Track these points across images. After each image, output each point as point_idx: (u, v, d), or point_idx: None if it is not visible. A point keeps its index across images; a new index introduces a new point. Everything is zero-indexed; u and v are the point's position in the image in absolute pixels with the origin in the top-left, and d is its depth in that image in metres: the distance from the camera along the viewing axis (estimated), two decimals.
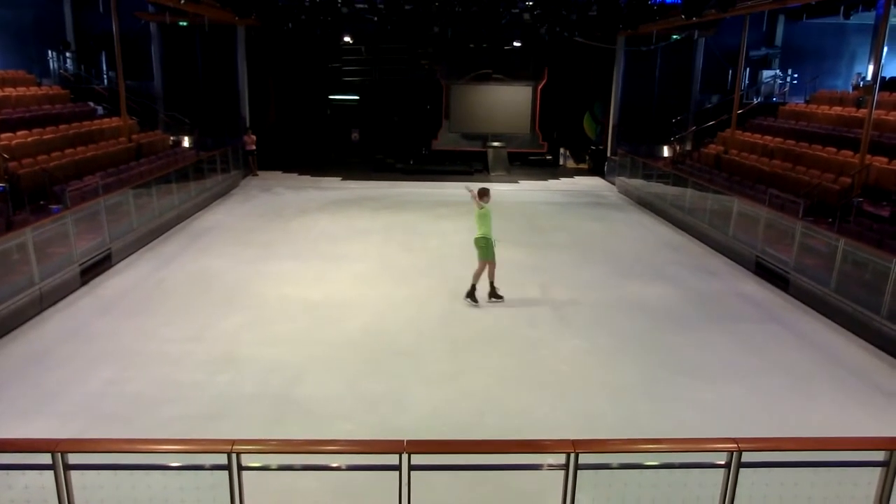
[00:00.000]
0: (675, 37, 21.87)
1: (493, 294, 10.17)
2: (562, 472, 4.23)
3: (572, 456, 4.11)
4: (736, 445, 4.16)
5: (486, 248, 9.97)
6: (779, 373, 8.03)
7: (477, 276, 10.07)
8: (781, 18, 22.79)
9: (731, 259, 12.89)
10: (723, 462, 4.22)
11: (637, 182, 19.30)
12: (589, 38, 22.28)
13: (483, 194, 10.12)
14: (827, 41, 22.82)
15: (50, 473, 4.14)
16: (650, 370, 8.01)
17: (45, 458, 4.13)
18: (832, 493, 4.25)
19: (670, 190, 16.73)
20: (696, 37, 21.99)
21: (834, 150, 14.47)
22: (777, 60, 22.96)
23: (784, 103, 20.38)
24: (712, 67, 22.74)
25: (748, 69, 22.11)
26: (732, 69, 21.44)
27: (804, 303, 10.39)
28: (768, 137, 17.35)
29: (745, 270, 12.23)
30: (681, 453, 4.42)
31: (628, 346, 8.72)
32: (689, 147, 21.86)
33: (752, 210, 12.55)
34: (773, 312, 10.19)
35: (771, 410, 7.09)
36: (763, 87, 22.31)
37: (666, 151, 22.05)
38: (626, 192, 20.14)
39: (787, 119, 18.14)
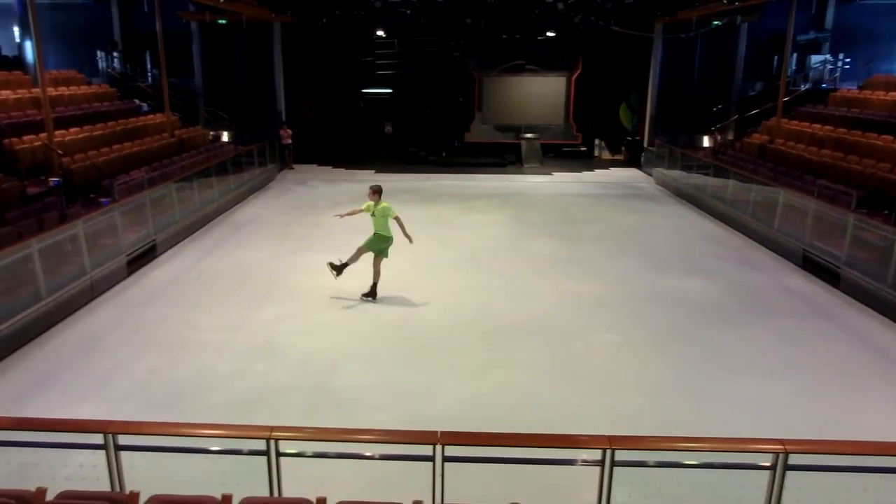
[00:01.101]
0: (715, 22, 21.20)
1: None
2: (596, 468, 4.19)
3: (608, 452, 4.07)
4: (782, 447, 4.02)
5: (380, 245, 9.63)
6: (827, 371, 7.74)
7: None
8: (832, 0, 21.83)
9: (776, 252, 12.51)
10: (767, 464, 4.08)
11: (675, 173, 18.90)
12: (625, 27, 21.82)
13: (376, 192, 9.70)
14: (882, 23, 21.52)
15: (102, 453, 4.34)
16: (688, 365, 7.85)
17: (98, 439, 4.33)
18: (886, 501, 4.09)
19: (711, 181, 16.33)
20: (738, 22, 21.26)
21: (890, 138, 13.80)
22: (827, 44, 21.93)
23: (835, 90, 19.55)
24: (756, 53, 21.96)
25: (795, 54, 21.28)
26: (778, 55, 20.70)
27: (856, 299, 9.96)
28: (817, 126, 16.71)
29: (791, 264, 11.85)
30: (722, 453, 4.31)
31: (665, 341, 8.56)
32: (730, 137, 21.26)
33: (800, 202, 12.13)
34: (822, 308, 9.84)
35: (818, 410, 6.84)
36: (811, 73, 21.40)
37: (706, 141, 21.46)
38: (663, 184, 19.74)
39: (839, 106, 17.41)
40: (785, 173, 14.71)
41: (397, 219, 9.63)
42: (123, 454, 4.40)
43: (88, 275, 9.67)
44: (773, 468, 4.08)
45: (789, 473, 4.06)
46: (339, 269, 9.92)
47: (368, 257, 9.83)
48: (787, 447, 4.03)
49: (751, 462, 4.21)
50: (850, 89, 18.94)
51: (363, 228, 13.56)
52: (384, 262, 9.86)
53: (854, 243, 10.34)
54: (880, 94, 16.51)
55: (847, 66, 21.28)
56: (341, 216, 10.30)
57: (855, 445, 4.34)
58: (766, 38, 21.57)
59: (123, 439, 4.38)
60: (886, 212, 11.19)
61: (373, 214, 9.70)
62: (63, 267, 9.30)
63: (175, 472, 4.45)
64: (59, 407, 6.64)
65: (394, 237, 9.75)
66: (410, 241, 9.64)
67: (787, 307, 9.87)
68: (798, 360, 8.04)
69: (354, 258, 9.92)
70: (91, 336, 8.54)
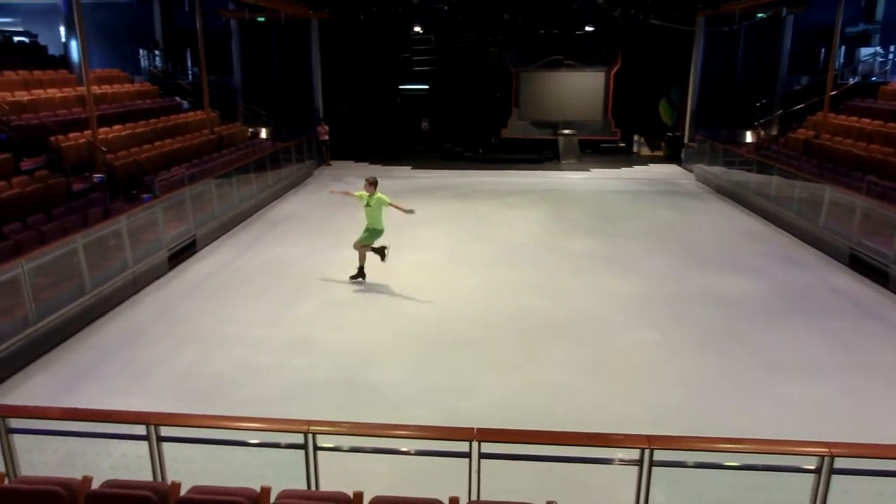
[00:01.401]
0: (760, 15, 20.59)
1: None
2: (633, 468, 4.12)
3: (647, 452, 4.00)
4: (827, 450, 3.90)
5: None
6: (875, 372, 7.48)
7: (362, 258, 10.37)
8: None
9: (822, 251, 12.12)
10: (811, 467, 3.97)
11: (717, 169, 18.46)
12: (665, 20, 21.39)
13: (373, 184, 10.16)
14: None
15: (144, 444, 4.44)
16: (729, 365, 7.67)
17: (141, 430, 4.43)
18: None
19: (753, 177, 15.90)
20: (783, 14, 20.62)
21: None
22: (877, 37, 21.13)
23: (885, 83, 18.80)
24: (802, 46, 21.29)
25: (843, 47, 20.51)
26: (825, 47, 20.01)
27: None
28: (866, 120, 16.14)
29: (838, 263, 11.47)
30: (764, 455, 4.19)
31: (705, 340, 8.37)
32: (774, 132, 20.66)
33: (847, 198, 11.74)
34: (870, 308, 9.50)
35: (864, 413, 6.63)
36: (860, 67, 20.63)
37: (749, 137, 20.92)
38: (704, 180, 19.31)
39: (889, 100, 16.77)
40: (832, 169, 14.25)
41: (392, 203, 10.02)
42: (165, 445, 4.50)
43: (131, 269, 9.93)
44: (817, 472, 3.96)
45: (835, 477, 3.94)
46: (359, 274, 10.45)
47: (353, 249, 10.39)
48: (832, 450, 3.92)
49: (794, 465, 4.08)
50: None
51: (398, 224, 13.64)
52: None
53: None
54: None
55: None
56: (333, 191, 11.10)
57: None
58: (812, 31, 20.87)
59: (165, 431, 4.47)
60: None
61: (368, 205, 10.08)
62: (106, 262, 9.56)
63: (215, 464, 4.53)
64: (102, 398, 6.82)
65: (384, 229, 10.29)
66: (412, 211, 10.02)
67: (833, 307, 9.55)
68: (844, 361, 7.78)
69: (363, 257, 10.36)
70: (133, 329, 8.76)
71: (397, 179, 20.02)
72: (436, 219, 14.86)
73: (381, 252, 10.26)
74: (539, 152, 23.72)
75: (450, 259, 11.86)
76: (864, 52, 20.66)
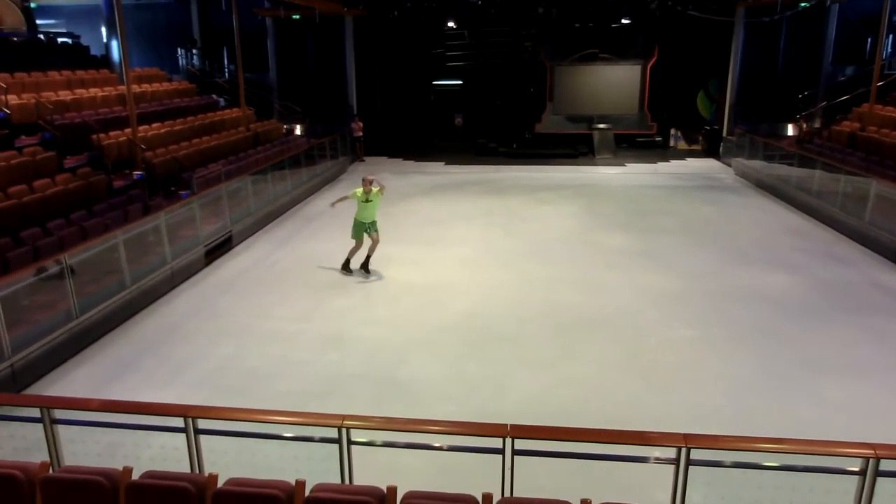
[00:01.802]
0: (803, 4, 19.93)
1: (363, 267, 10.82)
2: (669, 467, 4.05)
3: (683, 450, 3.93)
4: (873, 452, 3.78)
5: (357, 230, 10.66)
6: None
7: (353, 252, 10.79)
8: None
9: (867, 247, 11.72)
10: (856, 469, 3.85)
11: (757, 164, 17.99)
12: (704, 11, 20.87)
13: (369, 182, 10.66)
14: None
15: (182, 436, 4.53)
16: (769, 363, 7.48)
17: (178, 422, 4.52)
18: None
19: (795, 171, 15.46)
20: (828, 3, 19.93)
21: None
22: None
23: None
24: (847, 36, 20.58)
25: (891, 36, 19.75)
26: (872, 37, 19.29)
27: None
28: None
29: (884, 259, 11.08)
30: (806, 455, 4.08)
31: (744, 337, 8.18)
32: (817, 125, 20.01)
33: (894, 192, 11.32)
34: None
35: None
36: None
37: (790, 130, 20.33)
38: (743, 175, 18.84)
39: None
40: (878, 163, 13.75)
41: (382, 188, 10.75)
42: (202, 437, 4.58)
43: (169, 265, 10.17)
44: (861, 474, 3.85)
45: (880, 480, 3.83)
46: (364, 267, 10.82)
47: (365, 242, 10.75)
48: (877, 452, 3.81)
49: (837, 466, 3.96)
50: None
51: (432, 220, 13.59)
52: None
53: None
54: None
55: None
56: (333, 204, 11.44)
57: None
58: (858, 19, 20.13)
59: (202, 423, 4.56)
60: None
61: (367, 201, 10.50)
62: (146, 257, 9.80)
63: (251, 457, 4.59)
64: (141, 391, 7.01)
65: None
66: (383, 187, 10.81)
67: (879, 304, 9.24)
68: (890, 360, 7.53)
69: (372, 249, 10.76)
70: (171, 324, 8.97)
71: (430, 175, 20.06)
72: (469, 214, 14.84)
73: (346, 265, 10.81)
74: (573, 147, 23.45)
75: (483, 254, 11.83)
76: None
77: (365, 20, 22.99)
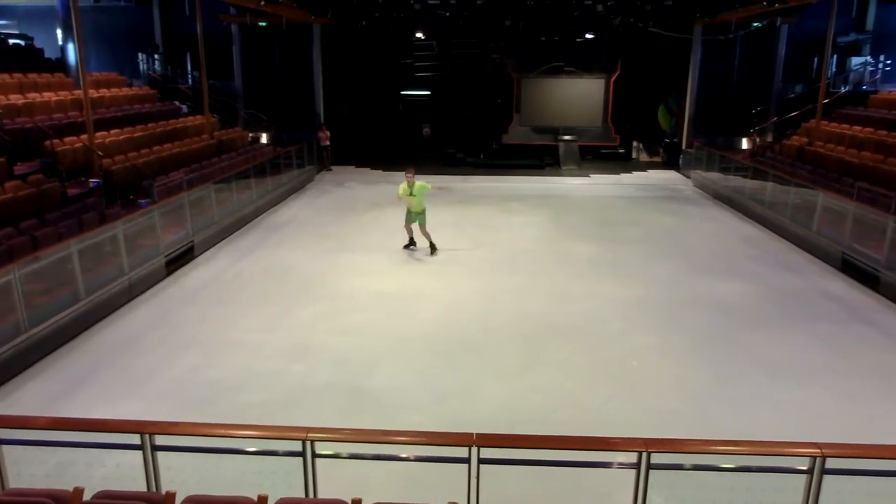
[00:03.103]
0: (755, 24, 20.76)
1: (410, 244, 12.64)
2: (632, 471, 4.15)
3: (644, 455, 4.03)
4: (819, 451, 3.96)
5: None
6: (866, 375, 7.57)
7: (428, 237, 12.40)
8: (873, 1, 21.15)
9: (815, 255, 12.21)
10: (805, 467, 4.02)
11: (714, 175, 18.55)
12: (664, 28, 21.53)
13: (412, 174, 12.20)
14: None
15: (138, 453, 4.40)
16: (726, 369, 7.72)
17: (135, 439, 4.39)
18: None
19: (749, 183, 16.00)
20: (778, 23, 20.81)
21: None
22: (868, 46, 21.36)
23: (875, 92, 18.97)
24: (796, 55, 21.48)
25: (835, 56, 20.73)
26: (818, 56, 20.19)
27: None
28: (857, 128, 16.29)
29: (830, 268, 11.55)
30: (759, 456, 4.24)
31: (703, 344, 8.43)
32: (769, 139, 20.79)
33: (839, 204, 11.85)
34: (861, 312, 9.58)
35: (856, 415, 6.71)
36: (852, 75, 20.82)
37: (745, 143, 21.04)
38: (701, 186, 19.40)
39: (879, 108, 16.96)
40: (824, 176, 14.38)
41: (432, 187, 12.45)
42: (160, 454, 4.45)
43: (127, 275, 9.91)
44: (810, 472, 4.02)
45: (826, 477, 4.00)
46: (410, 245, 12.58)
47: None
48: (824, 451, 3.98)
49: (788, 466, 4.13)
50: (891, 91, 18.38)
51: (400, 229, 13.66)
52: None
53: (894, 246, 10.09)
54: None
55: (888, 68, 20.64)
56: (398, 198, 12.46)
57: (892, 450, 4.23)
58: (806, 40, 21.04)
59: (160, 439, 4.44)
60: None
61: (412, 194, 11.96)
62: (102, 267, 9.52)
63: (211, 473, 4.51)
64: (97, 406, 6.81)
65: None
66: (446, 188, 13.08)
67: (826, 311, 9.64)
68: (837, 364, 7.87)
69: (411, 232, 12.47)
70: (129, 336, 8.75)
71: (399, 185, 20.02)
72: (437, 224, 14.83)
73: (409, 245, 12.56)
74: (540, 158, 23.80)
75: (451, 264, 11.90)
76: (855, 61, 20.91)
77: (333, 29, 22.96)
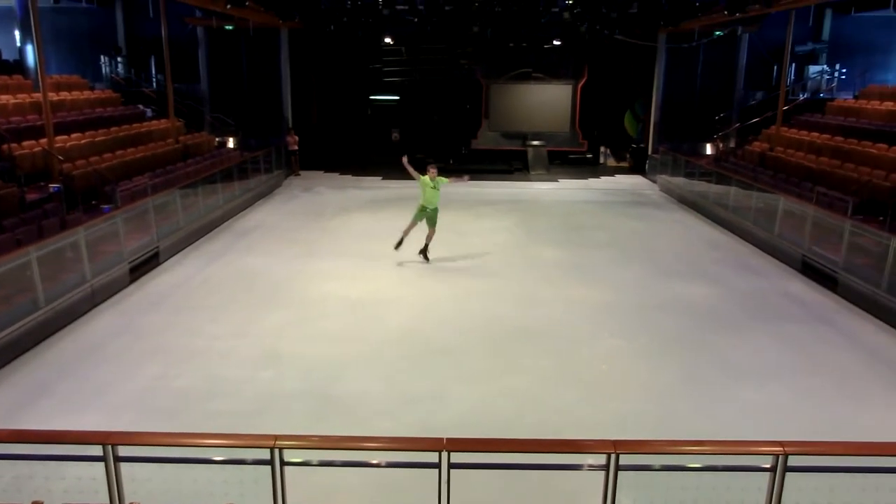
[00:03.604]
0: (717, 33, 21.31)
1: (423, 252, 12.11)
2: (601, 473, 4.19)
3: (613, 457, 4.07)
4: (782, 449, 4.05)
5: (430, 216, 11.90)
6: (826, 374, 7.79)
7: (429, 237, 12.03)
8: (829, 12, 21.97)
9: (777, 258, 12.54)
10: (768, 465, 4.11)
11: (679, 180, 18.93)
12: (629, 36, 21.91)
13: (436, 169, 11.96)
14: (876, 35, 21.85)
15: (101, 465, 4.27)
16: (692, 370, 7.86)
17: (97, 451, 4.26)
18: (883, 500, 4.10)
19: (713, 188, 16.36)
20: (739, 32, 21.39)
21: (885, 146, 13.94)
22: (824, 55, 22.15)
23: (832, 99, 19.67)
24: (756, 63, 22.10)
25: (794, 65, 21.42)
26: (777, 65, 20.83)
27: (853, 303, 10.04)
28: (815, 134, 16.81)
29: (791, 270, 11.88)
30: (725, 456, 4.33)
31: (670, 346, 8.57)
32: (732, 144, 21.31)
33: (799, 208, 12.19)
34: (821, 313, 9.87)
35: (818, 413, 6.90)
36: (809, 83, 21.59)
37: (709, 149, 21.54)
38: (667, 191, 19.77)
39: (835, 115, 17.52)
40: (784, 180, 14.79)
41: (450, 180, 12.19)
42: (123, 465, 4.32)
43: (89, 282, 9.65)
44: (773, 470, 4.10)
45: (789, 475, 4.08)
46: (398, 244, 11.95)
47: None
48: (786, 449, 4.06)
49: (752, 464, 4.21)
50: (846, 99, 19.09)
51: (369, 234, 13.58)
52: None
53: (851, 249, 10.45)
54: (875, 104, 16.64)
55: (843, 77, 21.46)
56: (406, 161, 12.20)
57: (852, 446, 4.38)
58: (766, 49, 21.67)
59: (123, 450, 4.30)
60: (881, 218, 11.34)
61: (434, 187, 11.70)
62: (63, 274, 9.26)
63: (177, 483, 4.41)
64: (58, 417, 6.62)
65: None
66: (465, 178, 12.92)
67: (788, 312, 9.90)
68: (798, 364, 8.08)
69: (429, 238, 12.08)
70: (92, 344, 8.52)
71: (368, 189, 20.01)
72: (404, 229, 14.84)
73: (425, 251, 12.08)
74: (509, 163, 23.97)
75: (421, 269, 11.89)
76: (813, 69, 21.68)
77: (301, 33, 22.78)
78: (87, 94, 17.30)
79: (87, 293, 9.60)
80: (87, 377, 7.58)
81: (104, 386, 7.36)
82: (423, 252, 12.07)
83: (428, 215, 11.81)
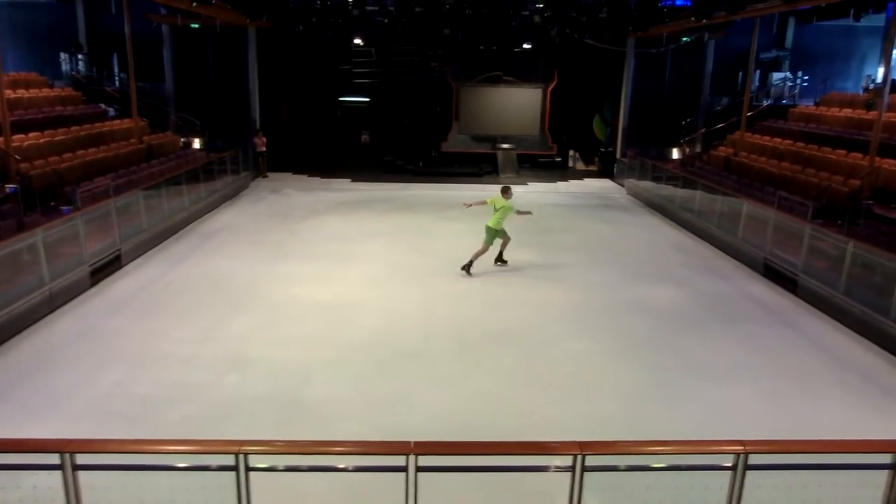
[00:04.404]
0: (684, 39, 21.77)
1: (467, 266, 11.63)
2: (568, 474, 4.21)
3: (579, 458, 4.10)
4: (743, 447, 4.13)
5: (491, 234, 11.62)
6: (787, 375, 7.99)
7: (477, 255, 11.60)
8: (792, 21, 22.62)
9: (740, 261, 12.82)
10: (730, 464, 4.19)
11: (646, 184, 19.23)
12: (599, 41, 22.21)
13: (506, 191, 11.86)
14: (837, 43, 22.62)
15: (58, 474, 4.15)
16: (659, 372, 7.98)
17: (54, 459, 4.14)
18: (840, 496, 4.21)
19: (679, 192, 16.66)
20: (706, 39, 21.86)
21: (844, 152, 14.37)
22: (787, 62, 22.80)
23: (794, 105, 20.24)
24: (722, 69, 22.62)
25: (758, 71, 21.97)
26: (742, 71, 21.35)
27: (813, 305, 10.33)
28: (778, 140, 17.24)
29: (754, 272, 12.16)
30: (688, 455, 4.39)
31: (637, 348, 8.69)
32: (698, 149, 21.75)
33: (761, 212, 12.48)
34: (782, 314, 10.12)
35: (779, 412, 7.06)
36: (773, 90, 22.17)
37: (675, 153, 21.95)
38: (635, 195, 20.06)
39: (797, 121, 18.02)
40: (748, 185, 15.12)
41: (518, 211, 11.89)
42: (82, 474, 4.20)
43: (47, 286, 9.38)
44: (734, 468, 4.18)
45: (749, 473, 4.17)
46: (467, 267, 11.55)
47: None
48: (747, 448, 4.14)
49: (715, 463, 4.29)
50: (807, 105, 19.65)
51: (338, 237, 13.45)
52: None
53: (810, 252, 10.74)
54: (835, 111, 17.16)
55: (805, 84, 22.11)
56: (468, 205, 12.11)
57: (810, 444, 4.50)
58: (731, 56, 22.19)
59: (82, 458, 4.18)
60: (839, 222, 11.63)
61: (501, 208, 11.52)
62: (19, 277, 8.98)
63: (139, 491, 4.32)
64: (14, 425, 6.42)
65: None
66: (529, 213, 12.32)
67: (750, 314, 10.13)
68: (760, 365, 8.26)
69: (504, 245, 11.91)
70: (49, 349, 8.28)
71: (337, 192, 19.86)
72: (376, 232, 14.81)
73: (467, 266, 11.58)
74: (478, 166, 24.05)
75: (390, 271, 11.84)
76: (776, 76, 22.28)
77: (269, 33, 22.53)
78: (45, 91, 16.83)
79: (45, 297, 9.32)
80: (45, 383, 7.35)
81: (62, 392, 7.15)
82: (500, 257, 12.08)
83: (498, 235, 11.71)
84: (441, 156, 25.08)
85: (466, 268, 11.52)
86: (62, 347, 8.33)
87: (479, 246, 11.63)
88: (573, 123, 25.78)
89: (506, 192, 11.79)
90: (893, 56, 12.24)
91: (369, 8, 19.00)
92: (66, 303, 9.76)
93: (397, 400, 7.16)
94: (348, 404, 7.06)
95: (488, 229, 11.56)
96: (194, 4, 16.67)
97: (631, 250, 13.86)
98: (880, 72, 18.64)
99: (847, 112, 16.64)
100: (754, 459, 4.15)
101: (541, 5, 18.56)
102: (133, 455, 4.29)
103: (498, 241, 11.85)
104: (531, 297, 10.58)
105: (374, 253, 12.99)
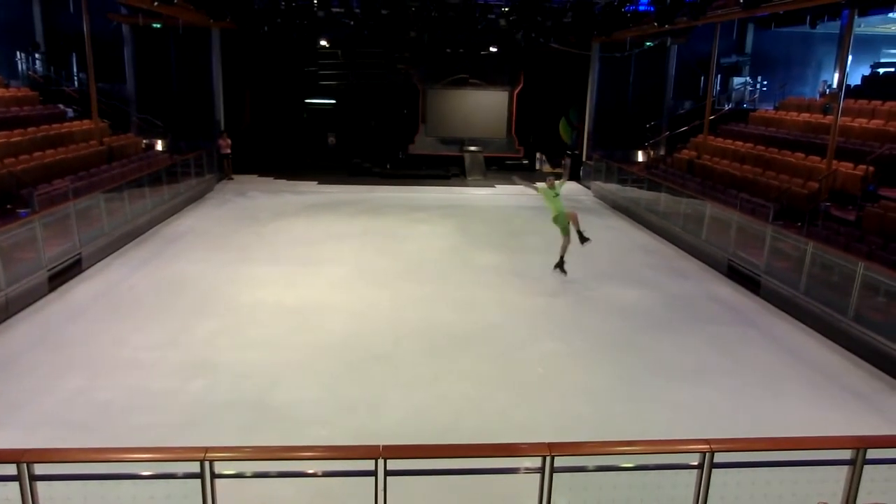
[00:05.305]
0: (648, 44, 22.18)
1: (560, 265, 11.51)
2: (538, 476, 4.23)
3: (548, 459, 4.12)
4: (708, 446, 4.21)
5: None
6: (750, 374, 8.18)
7: (564, 249, 11.48)
8: (751, 27, 23.28)
9: (704, 262, 13.09)
10: (696, 463, 4.26)
11: (612, 186, 19.50)
12: (564, 44, 22.49)
13: (548, 179, 11.63)
14: (795, 49, 23.40)
15: (15, 485, 4.03)
16: (626, 372, 8.09)
17: (11, 469, 4.02)
18: (801, 492, 4.33)
19: (644, 194, 16.94)
20: (668, 44, 22.33)
21: (802, 155, 14.79)
22: (747, 68, 23.45)
23: (754, 109, 20.77)
24: (685, 74, 23.10)
25: (719, 76, 22.51)
26: (704, 76, 21.81)
27: (775, 305, 10.60)
28: (739, 143, 17.65)
29: (718, 273, 12.43)
30: (655, 454, 4.46)
31: (604, 349, 8.80)
32: (662, 152, 22.15)
33: (724, 214, 12.78)
34: (745, 314, 10.37)
35: (743, 411, 7.22)
36: (734, 94, 22.73)
37: (640, 156, 22.32)
38: (601, 197, 20.33)
39: (757, 125, 18.48)
40: (711, 187, 15.42)
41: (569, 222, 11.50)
42: (40, 485, 4.08)
43: (3, 291, 9.08)
44: (700, 467, 4.25)
45: (715, 471, 4.25)
46: (583, 239, 11.37)
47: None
48: (712, 446, 4.22)
49: (681, 462, 4.36)
50: (767, 110, 20.17)
51: (305, 240, 13.28)
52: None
53: (772, 253, 11.02)
54: (793, 115, 17.65)
55: (765, 88, 22.76)
56: (520, 182, 11.94)
57: (774, 442, 4.60)
58: (693, 60, 22.69)
59: (40, 468, 4.07)
60: (799, 223, 11.96)
61: (556, 195, 11.23)
62: None
63: (101, 501, 4.19)
64: None
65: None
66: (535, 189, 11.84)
67: (714, 314, 10.35)
68: (724, 364, 8.44)
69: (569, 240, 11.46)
70: (5, 357, 8.00)
71: (303, 194, 19.65)
72: (343, 234, 14.70)
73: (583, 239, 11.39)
74: (446, 168, 24.09)
75: (358, 274, 11.75)
76: (737, 81, 22.86)
77: (233, 34, 22.18)
78: (1, 92, 16.26)
79: (1, 303, 9.00)
80: (1, 391, 7.09)
81: (19, 400, 6.92)
82: (559, 265, 11.57)
83: (561, 224, 11.35)
84: (408, 158, 25.05)
85: (559, 266, 11.38)
86: (19, 355, 8.06)
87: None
88: (540, 126, 26.00)
89: (548, 179, 11.59)
90: (848, 62, 12.65)
91: (335, 10, 18.86)
92: (23, 308, 9.45)
93: (366, 403, 7.12)
94: (316, 408, 6.99)
95: (555, 220, 11.39)
96: (156, 4, 16.30)
97: (597, 252, 13.93)
98: (836, 77, 19.27)
99: (805, 116, 17.13)
100: (720, 458, 4.23)
101: (506, 9, 18.69)
102: (94, 464, 4.17)
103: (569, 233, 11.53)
104: (500, 299, 10.63)
105: (342, 256, 12.89)
